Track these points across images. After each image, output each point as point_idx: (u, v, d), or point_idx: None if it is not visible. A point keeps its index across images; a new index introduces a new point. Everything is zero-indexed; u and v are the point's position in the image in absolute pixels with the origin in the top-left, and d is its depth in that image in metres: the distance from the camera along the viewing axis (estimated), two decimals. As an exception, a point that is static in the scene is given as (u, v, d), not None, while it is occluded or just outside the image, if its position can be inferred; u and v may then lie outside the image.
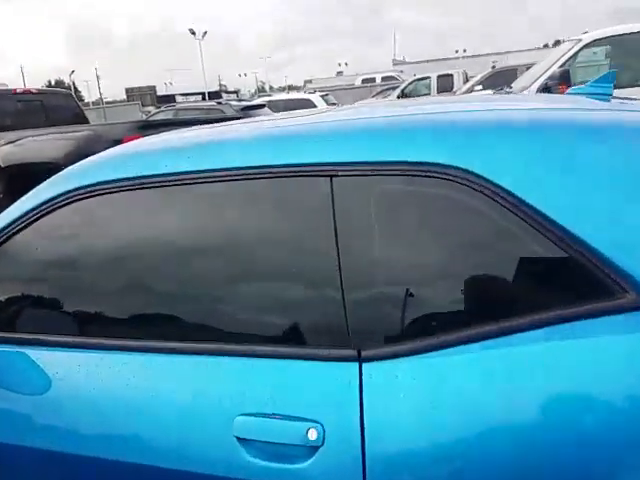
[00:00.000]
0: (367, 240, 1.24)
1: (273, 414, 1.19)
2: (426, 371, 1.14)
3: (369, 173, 1.24)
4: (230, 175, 1.34)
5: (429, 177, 1.20)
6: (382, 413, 1.14)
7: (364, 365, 1.18)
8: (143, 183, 1.42)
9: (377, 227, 1.24)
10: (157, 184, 1.41)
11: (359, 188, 1.25)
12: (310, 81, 45.13)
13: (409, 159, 1.22)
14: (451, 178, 1.18)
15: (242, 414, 1.21)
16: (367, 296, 1.24)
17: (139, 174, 1.43)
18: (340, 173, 1.26)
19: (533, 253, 1.15)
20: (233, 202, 1.39)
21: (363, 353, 1.19)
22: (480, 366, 1.12)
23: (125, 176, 1.44)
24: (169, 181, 1.39)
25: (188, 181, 1.38)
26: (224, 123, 2.06)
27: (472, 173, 1.17)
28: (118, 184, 1.45)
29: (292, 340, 1.31)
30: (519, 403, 1.08)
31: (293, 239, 1.33)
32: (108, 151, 1.68)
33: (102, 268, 1.51)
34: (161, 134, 1.96)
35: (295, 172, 1.29)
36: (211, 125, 1.95)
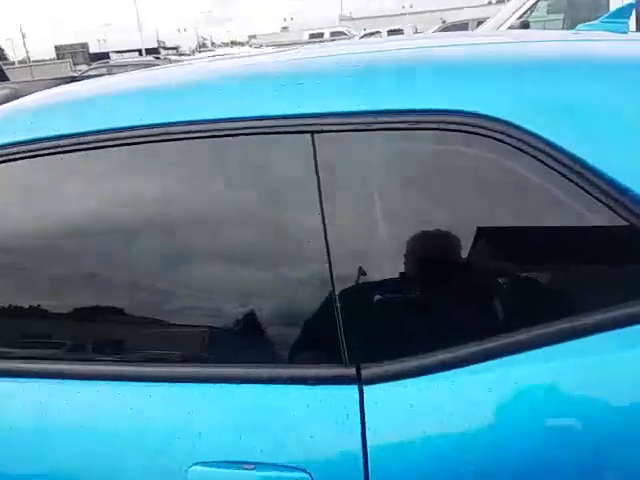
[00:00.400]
0: (364, 219, 0.92)
1: (243, 463, 0.87)
2: (453, 396, 0.85)
3: (364, 127, 0.90)
4: (167, 133, 0.97)
5: (448, 130, 0.87)
6: (394, 459, 0.84)
7: (366, 388, 0.87)
8: (51, 147, 1.02)
9: (379, 202, 0.91)
10: (79, 146, 1.01)
11: (351, 148, 0.92)
12: (254, 36, 43.50)
13: (418, 107, 0.89)
14: (477, 130, 0.86)
15: (198, 463, 0.88)
16: (366, 294, 0.92)
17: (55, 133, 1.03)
18: (325, 128, 0.91)
19: (596, 234, 0.86)
20: (167, 170, 1.03)
21: (364, 372, 0.88)
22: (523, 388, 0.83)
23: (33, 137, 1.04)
24: (100, 141, 1.00)
25: (123, 140, 0.99)
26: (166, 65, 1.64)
27: (508, 124, 0.85)
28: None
29: (267, 356, 0.98)
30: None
31: (264, 218, 0.99)
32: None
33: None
34: (90, 80, 1.55)
35: (263, 128, 0.93)
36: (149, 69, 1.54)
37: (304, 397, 0.88)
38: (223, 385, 0.92)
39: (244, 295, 0.99)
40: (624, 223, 0.82)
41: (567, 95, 0.88)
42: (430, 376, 0.85)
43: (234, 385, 0.91)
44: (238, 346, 1.00)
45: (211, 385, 0.92)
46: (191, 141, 0.95)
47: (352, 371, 0.88)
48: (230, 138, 0.94)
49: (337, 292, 0.90)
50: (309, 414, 0.88)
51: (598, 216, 0.83)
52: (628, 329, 0.81)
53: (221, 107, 0.96)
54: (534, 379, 0.83)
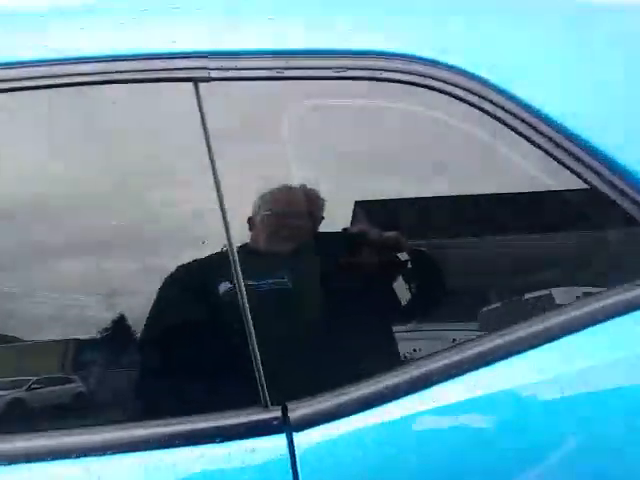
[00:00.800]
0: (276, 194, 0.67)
1: None
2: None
3: (273, 75, 0.66)
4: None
5: (396, 82, 0.67)
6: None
7: (296, 436, 0.59)
8: None
9: (296, 169, 0.67)
10: None
11: (248, 101, 0.67)
12: None
13: (354, 47, 0.67)
14: (428, 83, 0.67)
15: None
16: (283, 306, 0.66)
17: None
18: (214, 74, 0.65)
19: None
20: None
21: (291, 414, 0.60)
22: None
23: None
24: None
25: None
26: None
27: (465, 74, 0.67)
28: None
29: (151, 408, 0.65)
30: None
31: (133, 198, 0.68)
32: None
33: None
34: None
35: (116, 74, 0.65)
36: None
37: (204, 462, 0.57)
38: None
39: (103, 305, 0.67)
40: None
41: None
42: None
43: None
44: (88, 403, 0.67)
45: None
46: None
47: (276, 413, 0.60)
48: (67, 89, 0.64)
49: (246, 300, 0.62)
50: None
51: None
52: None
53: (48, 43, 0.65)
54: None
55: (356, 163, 0.73)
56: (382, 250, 0.72)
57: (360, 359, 0.68)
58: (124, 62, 0.64)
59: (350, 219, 0.71)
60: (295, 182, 0.71)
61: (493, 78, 0.67)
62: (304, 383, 0.64)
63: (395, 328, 0.74)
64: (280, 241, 0.75)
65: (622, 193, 0.65)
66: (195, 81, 0.65)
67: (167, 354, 0.67)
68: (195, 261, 0.68)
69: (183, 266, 0.67)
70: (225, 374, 0.66)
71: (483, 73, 0.68)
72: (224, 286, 0.68)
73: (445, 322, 0.75)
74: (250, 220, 0.72)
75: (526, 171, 0.72)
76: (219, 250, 0.65)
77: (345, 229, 0.72)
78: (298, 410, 0.60)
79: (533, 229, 0.76)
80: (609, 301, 0.62)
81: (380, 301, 0.75)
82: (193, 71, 0.65)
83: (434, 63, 0.66)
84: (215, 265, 0.68)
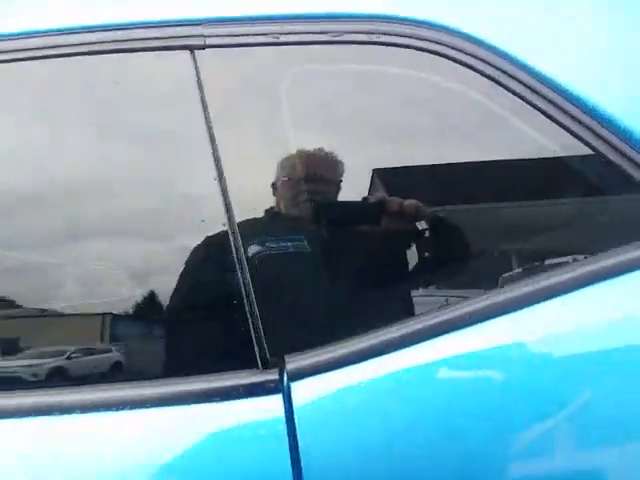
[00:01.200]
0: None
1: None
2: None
3: (269, 40, 0.67)
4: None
5: (394, 46, 0.67)
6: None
7: (294, 387, 0.60)
8: None
9: (294, 135, 0.68)
10: None
11: (245, 67, 0.69)
12: None
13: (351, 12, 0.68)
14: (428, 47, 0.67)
15: None
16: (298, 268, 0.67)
17: None
18: (209, 41, 0.67)
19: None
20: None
21: (289, 366, 0.61)
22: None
23: None
24: None
25: None
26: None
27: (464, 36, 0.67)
28: None
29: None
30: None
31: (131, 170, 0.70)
32: None
33: None
34: None
35: (123, 43, 0.67)
36: None
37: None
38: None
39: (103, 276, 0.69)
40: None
41: None
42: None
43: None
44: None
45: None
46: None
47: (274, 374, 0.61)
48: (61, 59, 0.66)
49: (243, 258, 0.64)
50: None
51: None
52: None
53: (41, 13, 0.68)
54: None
55: (355, 128, 0.74)
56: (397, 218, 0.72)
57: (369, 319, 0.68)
58: (119, 31, 0.66)
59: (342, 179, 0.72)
60: (293, 147, 0.73)
61: (491, 39, 0.67)
62: (306, 339, 0.65)
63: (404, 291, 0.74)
64: (298, 206, 0.77)
65: (623, 154, 0.65)
66: (191, 49, 0.67)
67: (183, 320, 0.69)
68: (194, 223, 0.69)
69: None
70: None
71: (482, 35, 0.68)
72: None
73: (443, 288, 0.75)
74: (273, 185, 0.75)
75: (523, 132, 0.71)
76: (220, 211, 0.66)
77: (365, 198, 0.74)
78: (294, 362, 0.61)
79: (530, 194, 0.76)
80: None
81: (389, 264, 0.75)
82: (189, 39, 0.67)
83: (429, 25, 0.67)
84: (216, 229, 0.70)
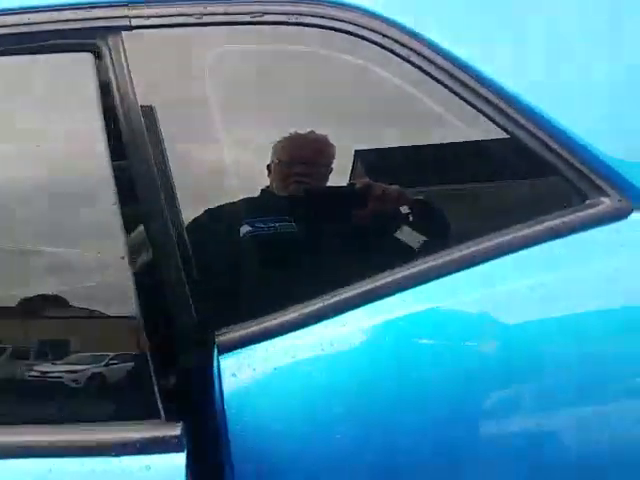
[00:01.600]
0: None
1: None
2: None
3: (191, 21, 0.68)
4: None
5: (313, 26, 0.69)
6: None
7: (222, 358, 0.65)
8: None
9: (219, 115, 0.71)
10: None
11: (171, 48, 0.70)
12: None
13: None
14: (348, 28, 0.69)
15: None
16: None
17: None
18: (135, 22, 0.67)
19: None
20: None
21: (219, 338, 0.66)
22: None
23: None
24: None
25: None
26: None
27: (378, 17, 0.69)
28: None
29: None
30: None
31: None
32: None
33: None
34: None
35: (45, 25, 0.66)
36: None
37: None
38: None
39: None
40: None
41: None
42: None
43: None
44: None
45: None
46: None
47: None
48: None
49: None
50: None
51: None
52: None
53: None
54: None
55: (277, 108, 0.76)
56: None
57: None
58: (39, 13, 0.66)
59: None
60: (221, 129, 0.75)
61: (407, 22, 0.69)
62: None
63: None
64: (287, 188, 0.80)
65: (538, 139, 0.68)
66: (117, 30, 0.68)
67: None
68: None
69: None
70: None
71: (399, 17, 0.70)
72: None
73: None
74: (268, 167, 0.78)
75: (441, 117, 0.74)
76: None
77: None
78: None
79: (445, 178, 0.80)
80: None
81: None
82: (114, 20, 0.67)
83: (344, 6, 0.69)
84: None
